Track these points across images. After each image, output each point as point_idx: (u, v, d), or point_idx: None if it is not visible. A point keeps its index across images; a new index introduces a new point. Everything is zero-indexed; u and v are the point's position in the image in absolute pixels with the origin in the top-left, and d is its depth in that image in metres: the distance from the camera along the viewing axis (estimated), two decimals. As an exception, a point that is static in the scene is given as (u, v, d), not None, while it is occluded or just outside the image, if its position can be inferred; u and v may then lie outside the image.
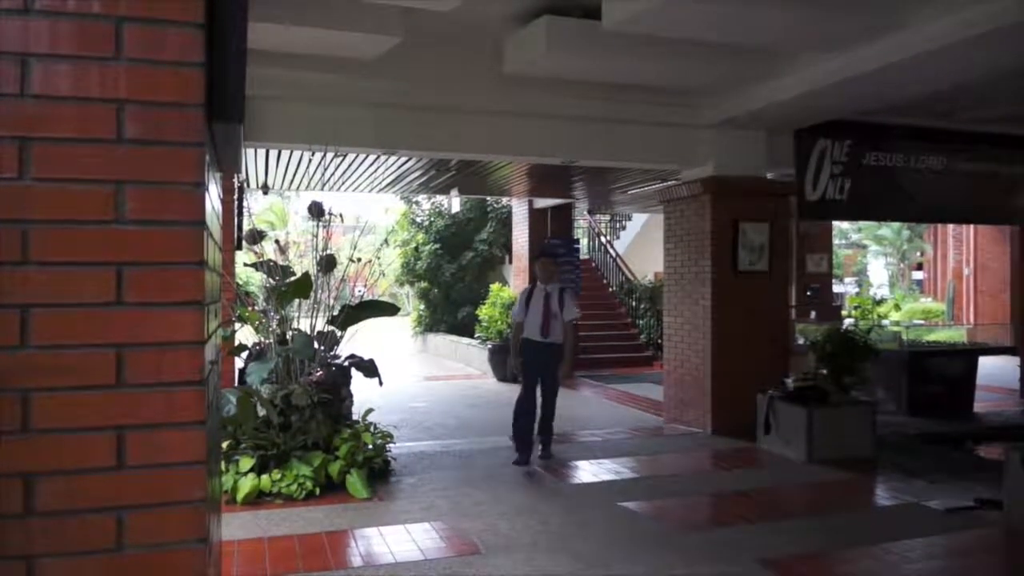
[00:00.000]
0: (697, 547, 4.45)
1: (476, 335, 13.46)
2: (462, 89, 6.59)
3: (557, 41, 5.58)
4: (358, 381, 6.32)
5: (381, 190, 10.84)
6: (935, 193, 8.57)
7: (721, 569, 4.12)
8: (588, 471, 6.29)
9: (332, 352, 6.20)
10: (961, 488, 5.66)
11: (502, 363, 11.90)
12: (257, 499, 5.22)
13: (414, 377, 12.57)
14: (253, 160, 8.28)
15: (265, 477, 5.30)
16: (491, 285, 13.68)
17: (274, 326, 6.04)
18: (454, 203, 16.44)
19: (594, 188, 10.92)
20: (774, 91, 6.59)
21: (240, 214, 7.65)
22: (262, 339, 6.18)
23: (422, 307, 16.99)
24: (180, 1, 1.37)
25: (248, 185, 9.52)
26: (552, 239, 12.32)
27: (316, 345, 5.96)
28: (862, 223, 25.73)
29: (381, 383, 6.32)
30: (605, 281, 16.19)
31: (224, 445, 5.24)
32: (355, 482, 5.42)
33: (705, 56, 5.89)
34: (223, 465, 4.96)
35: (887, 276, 29.82)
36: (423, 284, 16.42)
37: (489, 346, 12.31)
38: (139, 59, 1.35)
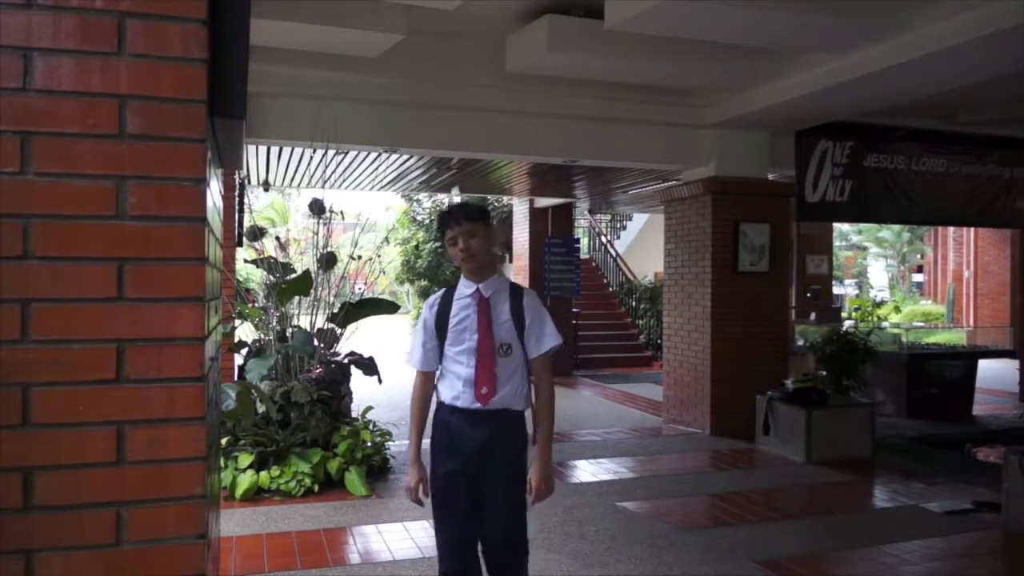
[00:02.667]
0: (695, 547, 4.45)
1: (476, 333, 13.44)
2: (464, 87, 6.59)
3: (559, 40, 5.58)
4: (357, 379, 6.32)
5: (382, 188, 10.84)
6: (936, 195, 8.57)
7: (719, 569, 4.12)
8: (587, 470, 6.29)
9: (332, 349, 6.20)
10: (959, 491, 5.68)
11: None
12: (256, 496, 5.22)
13: (413, 375, 12.54)
14: (254, 156, 8.28)
15: (264, 474, 5.31)
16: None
17: (274, 323, 6.04)
18: (455, 201, 16.46)
19: (595, 188, 10.92)
20: (775, 92, 6.59)
21: (241, 210, 7.65)
22: (262, 336, 6.18)
23: (422, 305, 17.01)
24: (183, -3, 1.37)
25: (249, 181, 9.51)
26: (552, 238, 12.31)
27: (316, 342, 5.96)
28: (863, 225, 25.73)
29: (380, 381, 6.32)
30: (605, 281, 16.20)
31: (223, 441, 5.24)
32: (354, 479, 5.43)
33: (707, 56, 5.89)
34: (222, 461, 4.96)
35: (887, 278, 29.81)
36: (423, 282, 16.43)
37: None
38: (142, 55, 1.35)
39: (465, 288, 2.85)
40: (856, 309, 10.67)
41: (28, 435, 1.30)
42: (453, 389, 2.85)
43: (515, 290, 2.89)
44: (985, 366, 9.89)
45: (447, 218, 2.85)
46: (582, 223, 16.91)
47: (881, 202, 8.34)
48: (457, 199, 14.78)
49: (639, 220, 18.70)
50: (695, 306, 7.86)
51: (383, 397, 7.42)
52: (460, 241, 2.78)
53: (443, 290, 3.00)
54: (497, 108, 6.80)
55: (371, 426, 6.06)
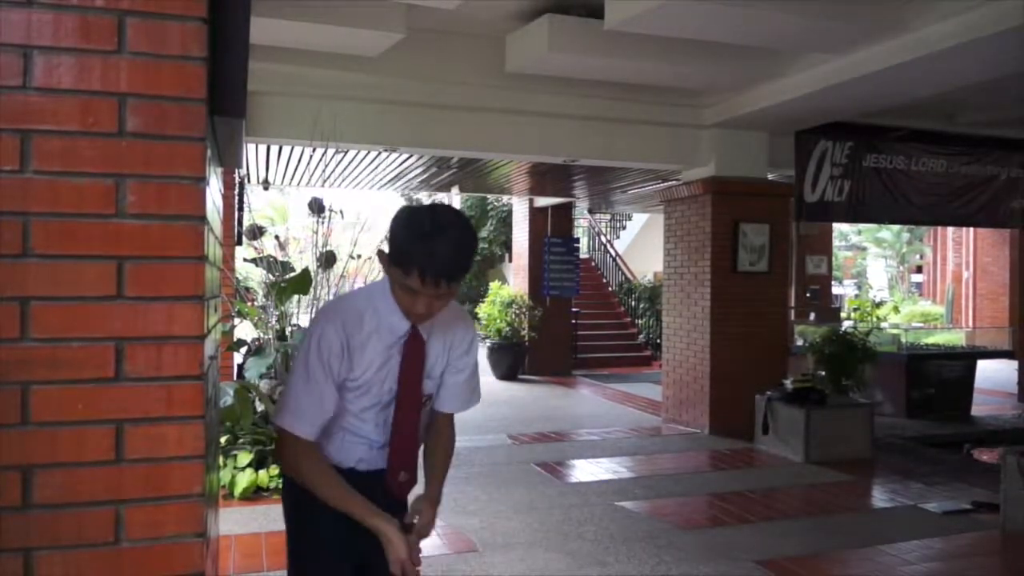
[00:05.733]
0: (694, 547, 4.45)
1: (475, 333, 13.45)
2: (464, 87, 6.59)
3: (559, 40, 5.58)
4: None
5: (382, 187, 10.83)
6: (935, 196, 8.58)
7: (718, 569, 4.12)
8: (586, 470, 6.30)
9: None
10: (958, 491, 5.68)
11: (501, 361, 11.93)
12: (255, 494, 5.22)
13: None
14: (254, 155, 8.27)
15: (263, 472, 5.30)
16: (491, 283, 13.70)
17: (273, 322, 6.04)
18: (454, 201, 16.47)
19: (595, 187, 10.92)
20: (776, 92, 6.59)
21: (240, 209, 7.65)
22: (261, 335, 6.18)
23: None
24: (183, -5, 1.37)
25: (248, 180, 9.51)
26: (552, 238, 12.32)
27: (315, 341, 5.96)
28: (862, 225, 25.75)
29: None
30: (605, 280, 16.21)
31: (222, 440, 5.24)
32: (353, 479, 5.42)
33: (707, 56, 5.89)
34: (221, 460, 4.96)
35: (887, 278, 29.83)
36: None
37: (488, 344, 12.33)
38: (141, 53, 1.34)
39: (396, 320, 1.84)
40: (855, 309, 10.68)
41: (27, 433, 1.30)
42: (354, 451, 1.97)
43: (455, 314, 1.98)
44: (984, 366, 9.90)
45: (427, 264, 1.70)
46: (582, 223, 16.90)
47: (880, 202, 8.34)
48: (457, 198, 14.78)
49: (639, 220, 18.71)
50: (694, 306, 7.87)
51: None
52: (425, 302, 1.76)
53: (348, 299, 1.94)
54: (497, 108, 6.80)
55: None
